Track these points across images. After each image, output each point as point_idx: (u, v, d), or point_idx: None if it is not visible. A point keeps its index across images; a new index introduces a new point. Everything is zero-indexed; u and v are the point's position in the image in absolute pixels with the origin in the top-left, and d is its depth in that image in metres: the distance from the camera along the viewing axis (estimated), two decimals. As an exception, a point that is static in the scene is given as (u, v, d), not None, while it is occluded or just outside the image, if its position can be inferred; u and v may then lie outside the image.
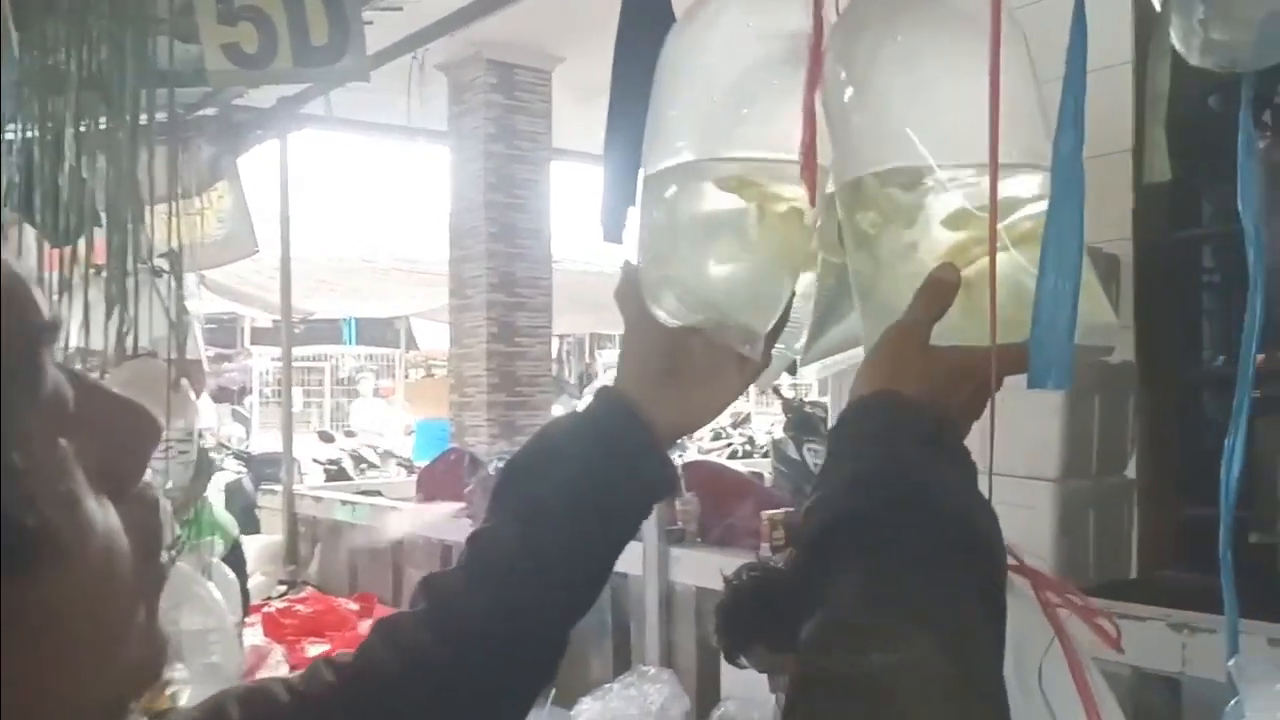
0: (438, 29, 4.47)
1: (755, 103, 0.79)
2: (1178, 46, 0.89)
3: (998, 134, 0.68)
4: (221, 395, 10.16)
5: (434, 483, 4.66)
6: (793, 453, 4.33)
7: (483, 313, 5.54)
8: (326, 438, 8.07)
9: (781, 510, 3.25)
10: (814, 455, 4.22)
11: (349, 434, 8.45)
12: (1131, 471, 2.99)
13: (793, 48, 0.79)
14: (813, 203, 0.77)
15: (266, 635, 4.26)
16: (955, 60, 0.74)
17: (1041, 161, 0.72)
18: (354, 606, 4.60)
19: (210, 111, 5.27)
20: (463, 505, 4.20)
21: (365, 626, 4.40)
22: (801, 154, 0.77)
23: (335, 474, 6.90)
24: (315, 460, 7.31)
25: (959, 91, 0.73)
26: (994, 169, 0.68)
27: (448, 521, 4.27)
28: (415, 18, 4.51)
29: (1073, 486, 2.74)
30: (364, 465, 7.39)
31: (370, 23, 4.48)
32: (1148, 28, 2.51)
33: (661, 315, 0.76)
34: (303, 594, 4.87)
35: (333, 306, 8.73)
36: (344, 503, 5.12)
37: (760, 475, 4.47)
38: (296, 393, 10.91)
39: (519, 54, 5.65)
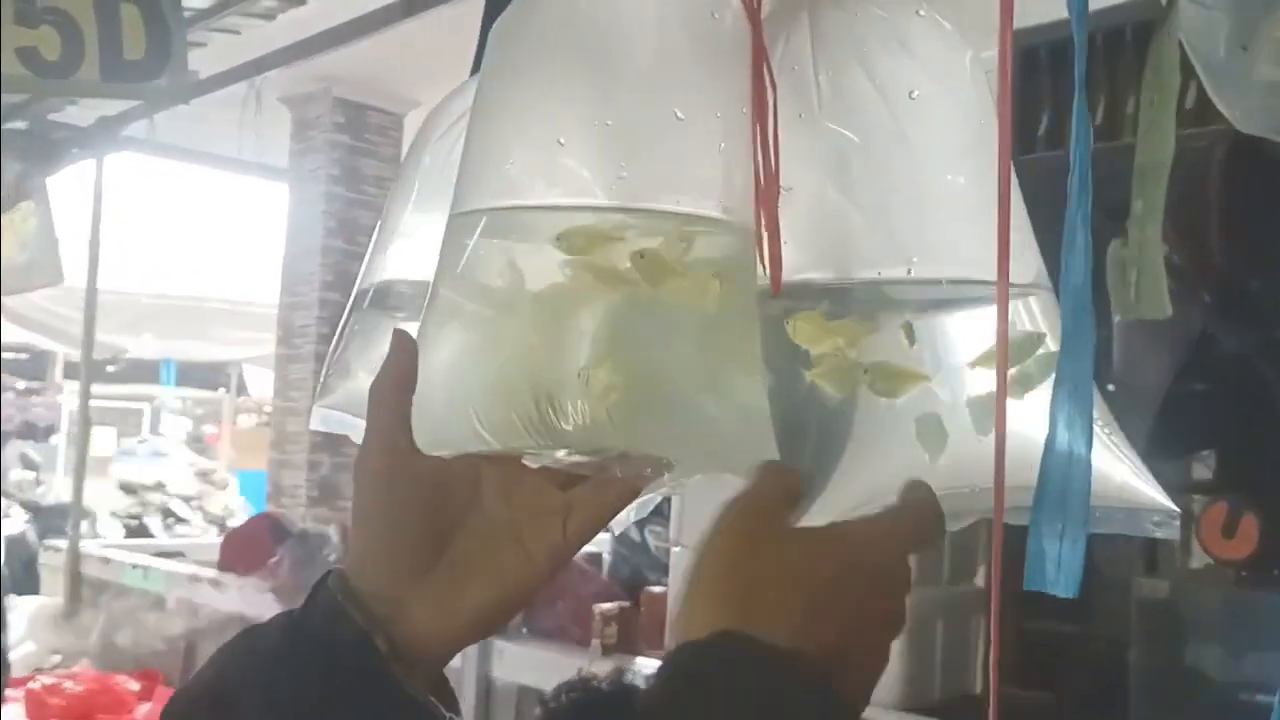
0: (277, 58, 4.13)
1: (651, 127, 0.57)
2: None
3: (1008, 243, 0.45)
4: (27, 431, 9.36)
5: (239, 550, 4.23)
6: (634, 535, 4.10)
7: (311, 364, 5.17)
8: (129, 489, 7.42)
9: (615, 605, 3.00)
10: (655, 538, 4.01)
11: (157, 485, 7.80)
12: (982, 579, 2.86)
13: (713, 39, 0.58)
14: (775, 283, 0.58)
15: (29, 718, 3.75)
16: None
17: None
18: (135, 686, 4.10)
19: (20, 125, 4.85)
20: (267, 579, 3.79)
21: (145, 711, 3.95)
22: (758, 211, 0.53)
23: (136, 530, 6.30)
24: (114, 514, 6.68)
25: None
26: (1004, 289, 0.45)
27: (250, 595, 3.86)
28: (254, 45, 4.20)
29: (921, 595, 2.60)
30: (172, 520, 6.79)
31: (203, 45, 4.15)
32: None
33: (451, 448, 0.53)
34: (76, 669, 4.34)
35: (153, 346, 8.12)
36: (135, 566, 4.61)
37: (599, 557, 4.21)
38: (109, 435, 10.15)
39: (370, 94, 5.37)
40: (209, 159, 5.70)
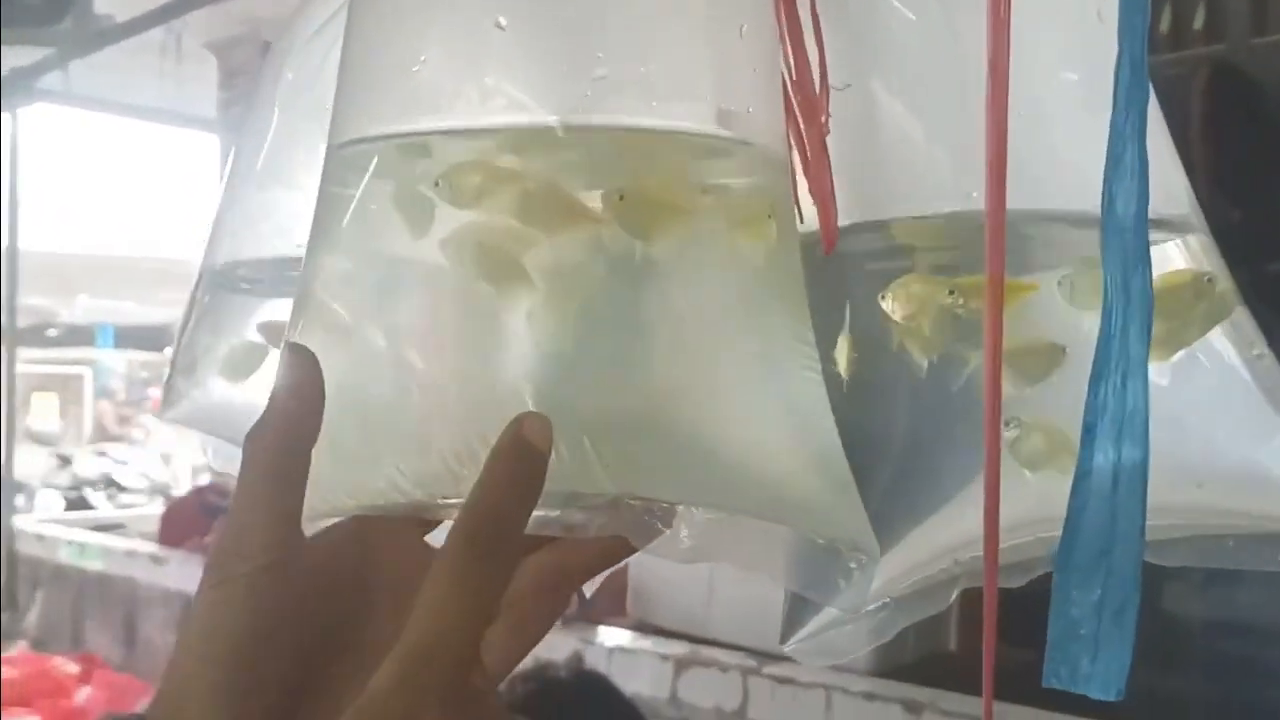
0: (196, 1, 3.88)
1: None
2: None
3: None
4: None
5: (181, 523, 4.06)
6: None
7: (252, 325, 4.94)
8: (64, 460, 7.16)
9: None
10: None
11: (99, 454, 7.55)
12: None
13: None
14: (827, 233, 0.41)
15: (-40, 705, 3.57)
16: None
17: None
18: (74, 669, 3.93)
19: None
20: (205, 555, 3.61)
21: (85, 695, 3.78)
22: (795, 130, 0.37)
23: (76, 502, 6.07)
24: (52, 485, 6.44)
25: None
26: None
27: (191, 571, 3.68)
28: (172, -15, 3.94)
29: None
30: (115, 490, 6.55)
31: (117, -13, 3.89)
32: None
33: (343, 509, 0.38)
34: (12, 652, 4.16)
35: (89, 309, 7.83)
36: (71, 542, 4.42)
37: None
38: (51, 402, 9.84)
39: (302, 37, 5.09)
40: (133, 110, 5.42)
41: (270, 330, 0.62)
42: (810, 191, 0.39)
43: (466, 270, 0.36)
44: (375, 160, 0.38)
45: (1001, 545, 0.40)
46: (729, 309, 0.36)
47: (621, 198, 0.35)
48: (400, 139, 0.39)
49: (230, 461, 0.63)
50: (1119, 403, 0.34)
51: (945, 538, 0.47)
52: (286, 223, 0.58)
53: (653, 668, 2.39)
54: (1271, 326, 0.51)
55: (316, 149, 0.43)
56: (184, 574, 3.74)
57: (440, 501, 0.35)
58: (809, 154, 0.39)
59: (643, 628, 2.55)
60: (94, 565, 4.25)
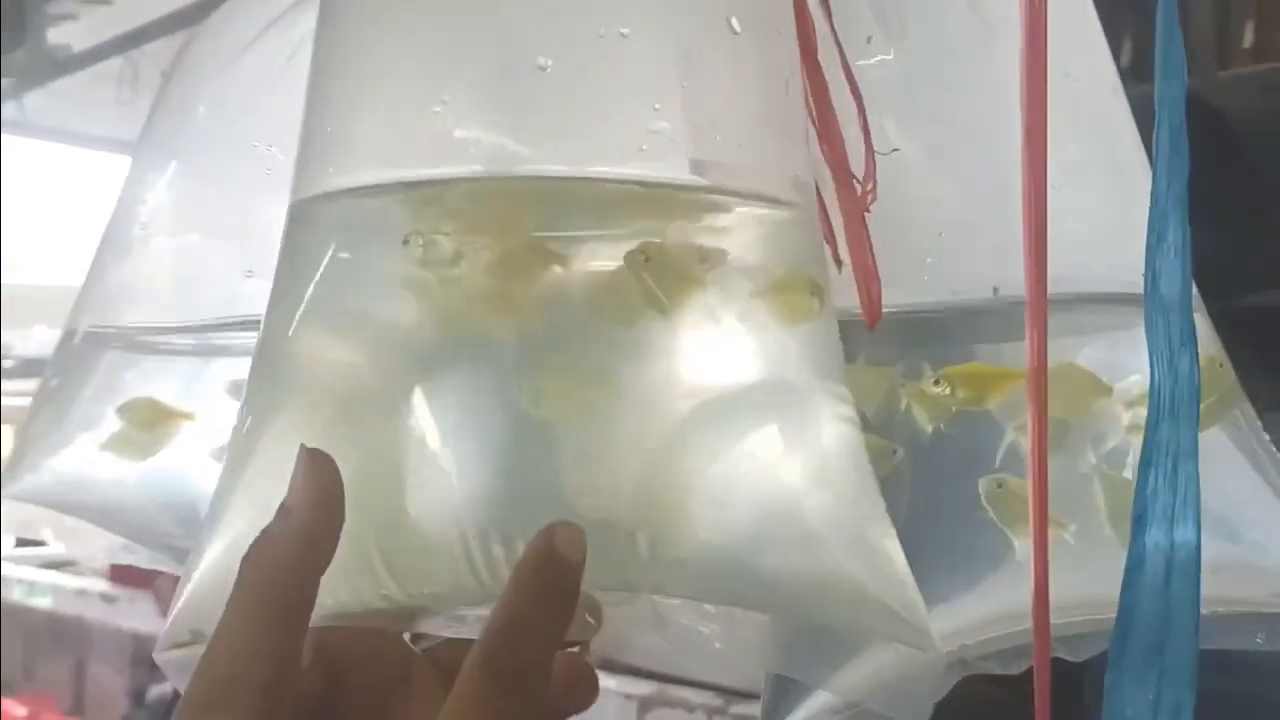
0: (155, 29, 3.83)
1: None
2: None
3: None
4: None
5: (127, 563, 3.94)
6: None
7: (209, 357, 4.86)
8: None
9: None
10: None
11: (51, 489, 7.36)
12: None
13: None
14: (869, 308, 0.38)
15: (-99, 753, 3.45)
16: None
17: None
18: (21, 711, 3.83)
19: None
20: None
21: (31, 740, 3.68)
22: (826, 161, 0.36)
23: (27, 540, 5.91)
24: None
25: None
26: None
27: (143, 610, 3.60)
28: (130, 15, 3.89)
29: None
30: (69, 524, 6.40)
31: (73, 17, 3.84)
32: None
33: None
34: (-42, 696, 4.03)
35: (45, 341, 7.67)
36: (20, 581, 4.31)
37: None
38: (6, 436, 9.61)
39: (262, 66, 5.05)
40: (90, 140, 5.35)
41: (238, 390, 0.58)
42: (851, 265, 0.37)
43: (468, 344, 0.33)
44: (360, 214, 0.36)
45: (1008, 630, 0.39)
46: (764, 385, 0.33)
47: (647, 259, 0.32)
48: (383, 191, 0.36)
49: (133, 554, 0.57)
50: (1170, 490, 0.31)
51: (944, 623, 0.44)
52: (211, 275, 0.54)
53: (618, 706, 2.35)
54: (1247, 362, 0.49)
55: (248, 192, 0.40)
56: (135, 612, 3.65)
57: (442, 612, 0.32)
58: (846, 224, 0.36)
59: (610, 666, 2.51)
60: (43, 604, 4.14)
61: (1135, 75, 0.43)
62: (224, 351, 0.57)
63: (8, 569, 4.64)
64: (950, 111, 0.41)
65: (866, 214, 0.37)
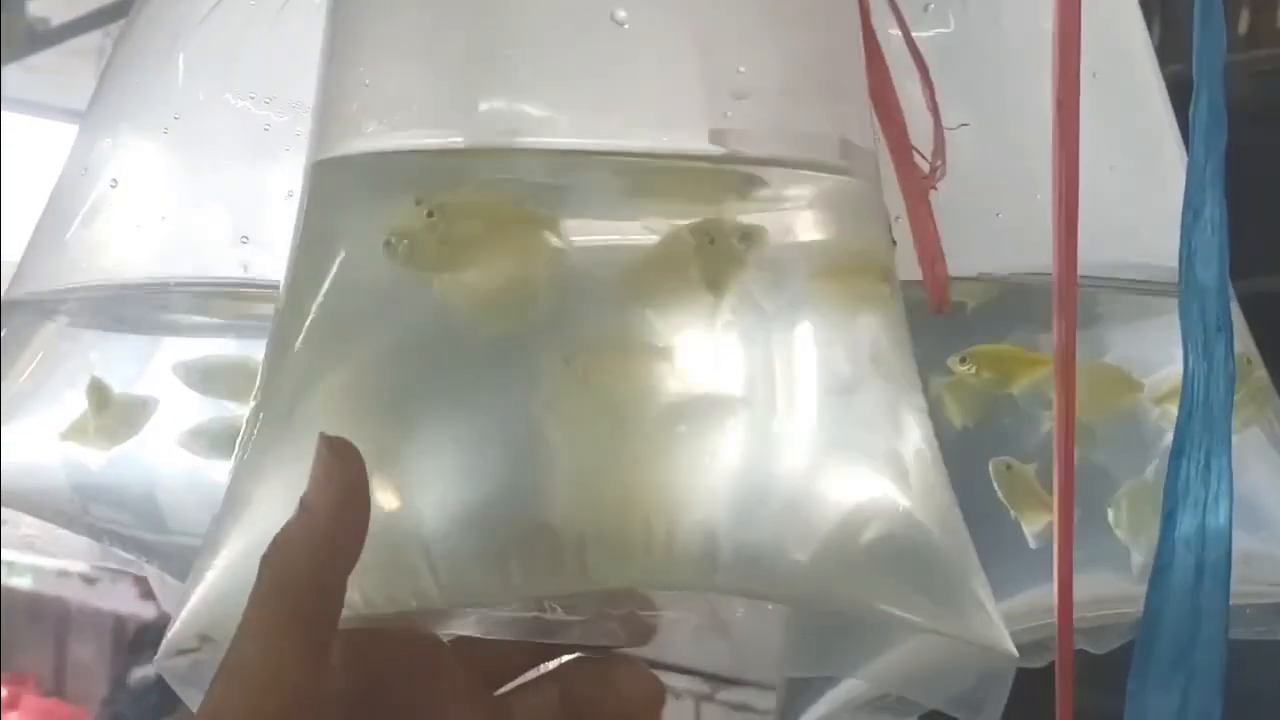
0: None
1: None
2: None
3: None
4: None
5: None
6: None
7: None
8: (-6, 475, 6.93)
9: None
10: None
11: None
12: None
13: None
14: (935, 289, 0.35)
15: (-123, 734, 3.42)
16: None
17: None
18: (1, 692, 3.79)
19: None
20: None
21: (12, 721, 3.65)
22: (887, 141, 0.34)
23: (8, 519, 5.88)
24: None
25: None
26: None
27: (123, 592, 3.57)
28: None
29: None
30: (46, 506, 6.36)
31: (51, -10, 3.79)
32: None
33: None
34: (-64, 677, 4.00)
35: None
36: (-1, 561, 4.27)
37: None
38: (-19, 413, 9.52)
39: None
40: (69, 115, 5.27)
41: (190, 373, 0.54)
42: (916, 248, 0.35)
43: (494, 334, 0.31)
44: (395, 178, 0.33)
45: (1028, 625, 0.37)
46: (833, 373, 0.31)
47: (712, 241, 0.30)
48: (433, 154, 0.33)
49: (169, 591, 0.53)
50: (1202, 485, 0.30)
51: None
52: (192, 241, 0.50)
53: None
54: (1264, 344, 0.48)
55: (235, 154, 0.37)
56: (116, 593, 3.62)
57: (475, 611, 0.31)
58: (908, 204, 0.34)
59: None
60: (24, 584, 4.11)
61: (1164, 56, 0.42)
62: (173, 329, 0.54)
63: (-14, 549, 4.59)
64: (1005, 88, 0.40)
65: (933, 191, 0.35)
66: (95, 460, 0.54)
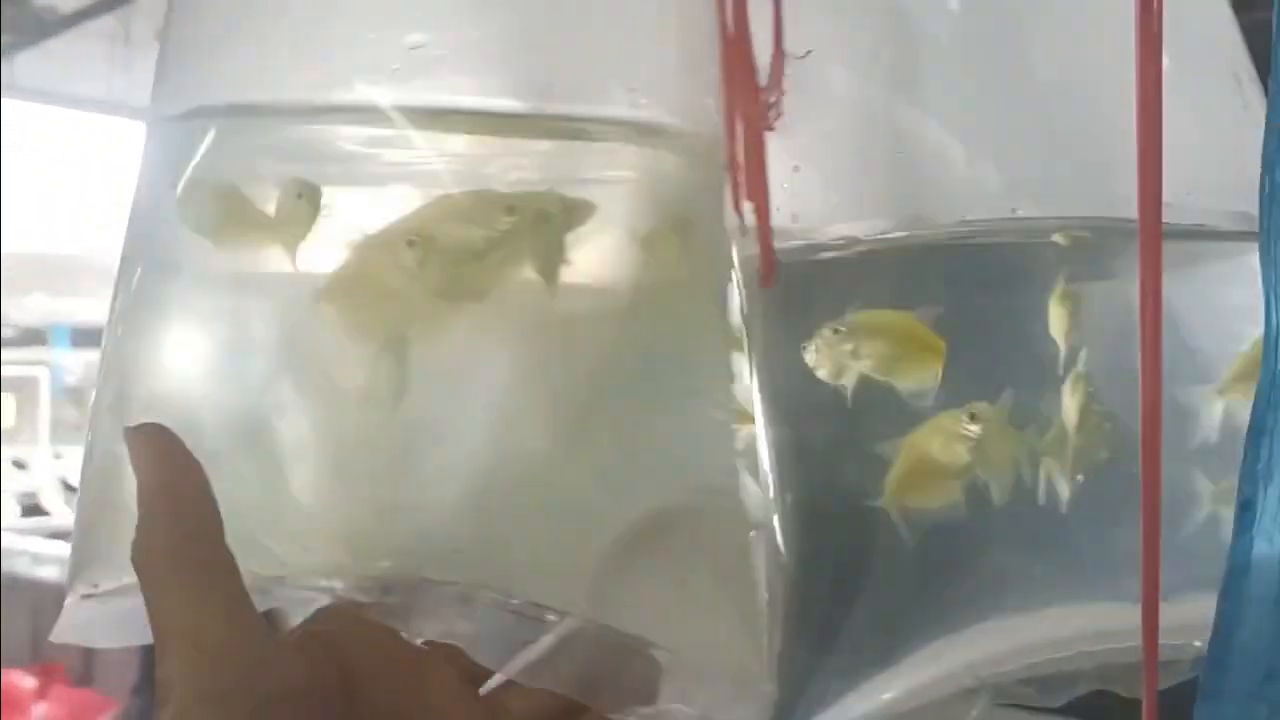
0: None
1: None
2: None
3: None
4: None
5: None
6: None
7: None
8: (19, 464, 6.98)
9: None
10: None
11: (56, 457, 7.37)
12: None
13: None
14: (765, 263, 0.33)
15: (-90, 724, 3.46)
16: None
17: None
18: (31, 682, 3.82)
19: None
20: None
21: (42, 711, 3.67)
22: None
23: (33, 509, 5.92)
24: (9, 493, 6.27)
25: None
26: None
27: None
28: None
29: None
30: (71, 494, 6.40)
31: (63, -24, 3.78)
32: None
33: None
34: (-34, 667, 4.03)
35: (43, 308, 7.64)
36: (23, 552, 4.31)
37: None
38: (9, 404, 9.61)
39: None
40: (82, 102, 5.27)
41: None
42: (746, 197, 0.30)
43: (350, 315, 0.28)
44: (211, 133, 0.31)
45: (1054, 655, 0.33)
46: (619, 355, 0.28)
47: (510, 209, 0.26)
48: (265, 111, 0.32)
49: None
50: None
51: (968, 650, 0.39)
52: None
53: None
54: None
55: None
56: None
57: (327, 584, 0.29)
58: (745, 142, 0.29)
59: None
60: (49, 574, 4.13)
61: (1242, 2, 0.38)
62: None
63: (13, 540, 4.61)
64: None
65: (769, 131, 0.30)
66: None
